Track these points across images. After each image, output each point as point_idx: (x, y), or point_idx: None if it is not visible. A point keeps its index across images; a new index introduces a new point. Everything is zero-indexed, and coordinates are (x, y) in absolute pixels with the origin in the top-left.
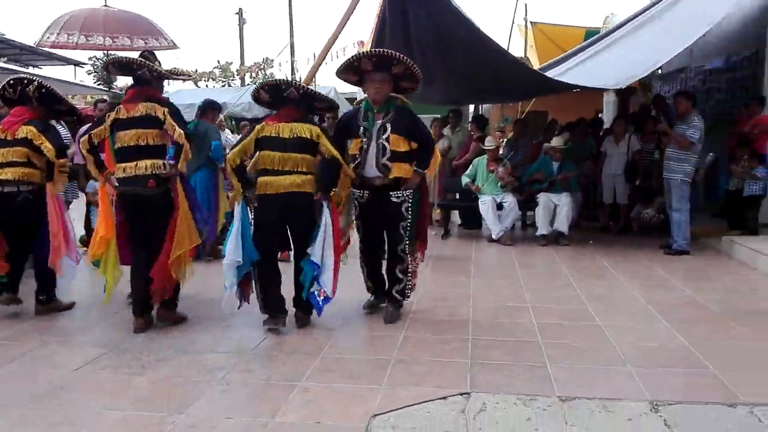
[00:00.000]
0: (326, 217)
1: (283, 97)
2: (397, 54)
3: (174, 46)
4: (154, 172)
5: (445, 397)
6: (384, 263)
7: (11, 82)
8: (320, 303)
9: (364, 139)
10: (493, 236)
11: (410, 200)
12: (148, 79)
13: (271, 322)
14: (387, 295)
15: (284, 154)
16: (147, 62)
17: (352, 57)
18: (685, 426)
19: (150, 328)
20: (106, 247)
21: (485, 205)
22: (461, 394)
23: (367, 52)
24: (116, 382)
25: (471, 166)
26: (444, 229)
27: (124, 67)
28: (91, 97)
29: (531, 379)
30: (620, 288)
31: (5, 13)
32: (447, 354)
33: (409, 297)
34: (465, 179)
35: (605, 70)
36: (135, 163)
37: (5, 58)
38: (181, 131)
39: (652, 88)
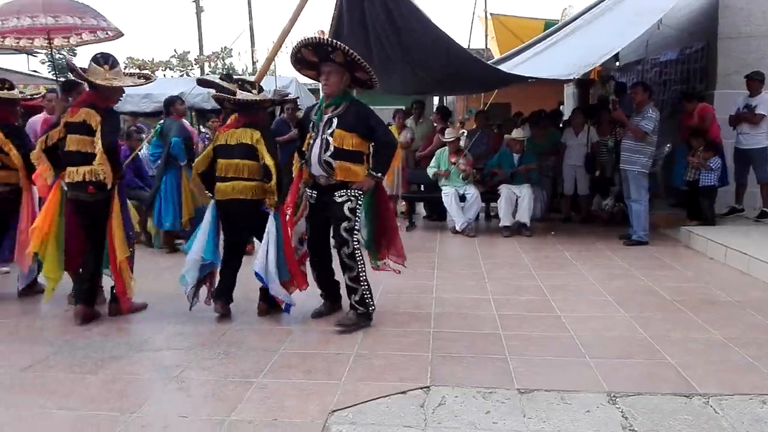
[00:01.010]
0: (272, 225)
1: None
2: (333, 41)
3: (120, 34)
4: (91, 179)
5: (404, 392)
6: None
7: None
8: (284, 306)
9: (312, 134)
10: (457, 228)
11: (357, 202)
12: (96, 86)
13: (217, 306)
14: (337, 302)
15: (229, 161)
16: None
17: (293, 48)
18: (642, 417)
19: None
20: (44, 242)
21: (448, 197)
22: (421, 388)
23: (302, 40)
24: (68, 381)
25: (434, 157)
26: (408, 221)
27: (79, 76)
28: (44, 88)
29: (491, 371)
30: (580, 278)
31: None
32: (408, 347)
33: (372, 306)
34: (431, 170)
35: (560, 61)
36: (76, 168)
37: None
38: (101, 145)
39: (610, 80)
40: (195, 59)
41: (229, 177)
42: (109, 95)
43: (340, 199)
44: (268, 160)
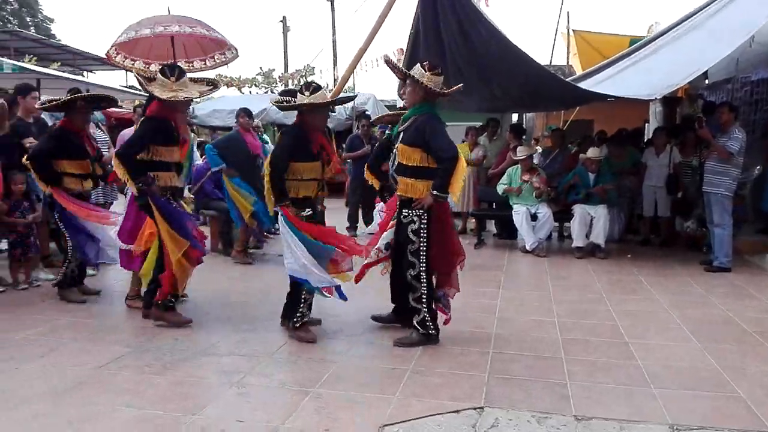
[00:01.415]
0: (282, 227)
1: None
2: (403, 71)
3: (236, 55)
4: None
5: (457, 411)
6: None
7: None
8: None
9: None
10: (527, 247)
11: (421, 222)
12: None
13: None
14: (402, 317)
15: None
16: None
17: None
18: None
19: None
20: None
21: (519, 216)
22: (475, 409)
23: (385, 59)
24: (137, 381)
25: (505, 175)
26: (477, 239)
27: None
28: (139, 101)
29: (548, 396)
30: (654, 304)
31: (62, 20)
32: (465, 367)
33: (432, 330)
34: (501, 187)
35: (643, 80)
36: None
37: (59, 63)
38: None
39: (698, 98)
40: (279, 76)
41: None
42: (175, 107)
43: (405, 220)
44: (266, 160)
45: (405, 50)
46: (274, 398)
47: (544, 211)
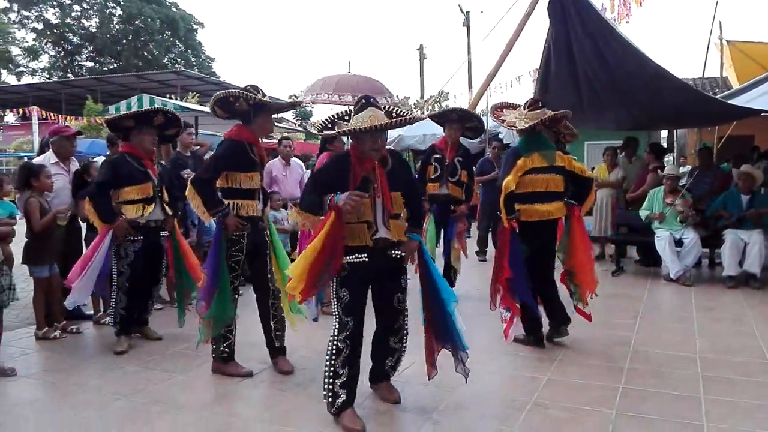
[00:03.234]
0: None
1: None
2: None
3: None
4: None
5: None
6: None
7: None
8: None
9: None
10: (671, 275)
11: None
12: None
13: None
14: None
15: None
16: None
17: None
18: None
19: None
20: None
21: (662, 241)
22: None
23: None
24: (270, 395)
25: (647, 198)
26: (616, 265)
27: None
28: (282, 134)
29: None
30: None
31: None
32: (591, 402)
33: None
34: (643, 213)
35: None
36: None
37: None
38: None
39: None
40: (414, 103)
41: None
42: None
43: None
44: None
45: (538, 70)
46: (393, 421)
47: (691, 237)
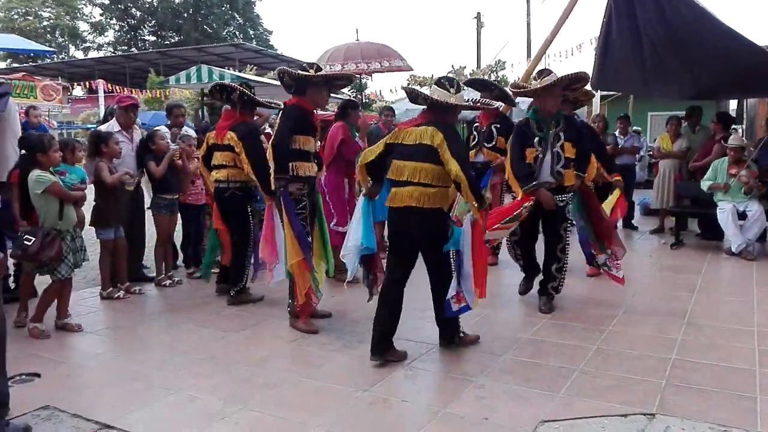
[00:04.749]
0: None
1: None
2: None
3: (409, 68)
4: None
5: (625, 415)
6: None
7: (217, 87)
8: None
9: (539, 149)
10: (733, 249)
11: (569, 204)
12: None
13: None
14: (541, 287)
15: (404, 163)
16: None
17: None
18: None
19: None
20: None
21: (724, 214)
22: (645, 414)
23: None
24: (319, 356)
25: (710, 169)
26: (675, 238)
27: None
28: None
29: (732, 408)
30: None
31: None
32: (640, 371)
33: (559, 292)
34: (705, 183)
35: None
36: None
37: (275, 71)
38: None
39: None
40: (470, 73)
41: (404, 181)
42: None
43: (561, 204)
44: (452, 166)
45: (598, 37)
46: (439, 384)
47: (755, 209)
